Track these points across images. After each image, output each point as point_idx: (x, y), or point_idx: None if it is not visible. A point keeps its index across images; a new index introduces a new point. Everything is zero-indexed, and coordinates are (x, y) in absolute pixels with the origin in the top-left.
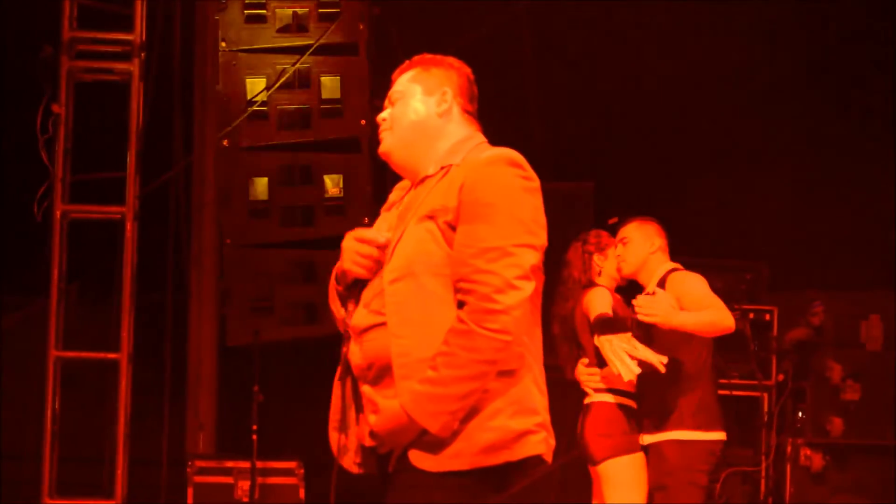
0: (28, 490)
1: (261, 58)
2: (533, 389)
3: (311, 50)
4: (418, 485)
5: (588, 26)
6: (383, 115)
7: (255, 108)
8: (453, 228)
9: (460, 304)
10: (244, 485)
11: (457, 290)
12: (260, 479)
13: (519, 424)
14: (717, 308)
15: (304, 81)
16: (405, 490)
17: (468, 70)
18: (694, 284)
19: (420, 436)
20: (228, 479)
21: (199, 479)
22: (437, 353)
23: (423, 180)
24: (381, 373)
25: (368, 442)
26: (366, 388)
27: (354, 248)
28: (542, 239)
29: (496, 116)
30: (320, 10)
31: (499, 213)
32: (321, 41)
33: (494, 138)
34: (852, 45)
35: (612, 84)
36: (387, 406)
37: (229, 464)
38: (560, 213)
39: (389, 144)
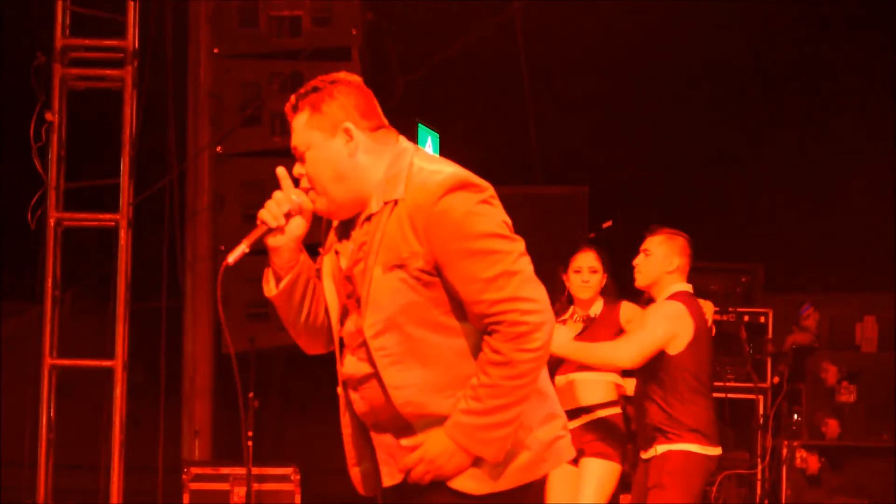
0: (25, 497)
1: (254, 63)
2: (546, 382)
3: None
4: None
5: (583, 29)
6: (300, 170)
7: (248, 113)
8: (428, 273)
9: (489, 334)
10: (240, 491)
11: (483, 329)
12: (256, 486)
13: (548, 434)
14: (626, 340)
15: (297, 86)
16: None
17: (355, 79)
18: (647, 319)
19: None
20: (224, 486)
21: (194, 485)
22: (476, 384)
23: (368, 218)
24: (390, 417)
25: (398, 478)
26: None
27: (274, 195)
28: (520, 240)
29: (491, 120)
30: (313, 15)
31: (481, 242)
32: (314, 46)
33: (490, 143)
34: (850, 45)
35: (607, 87)
36: (428, 435)
37: (225, 470)
38: (555, 217)
39: (325, 206)
